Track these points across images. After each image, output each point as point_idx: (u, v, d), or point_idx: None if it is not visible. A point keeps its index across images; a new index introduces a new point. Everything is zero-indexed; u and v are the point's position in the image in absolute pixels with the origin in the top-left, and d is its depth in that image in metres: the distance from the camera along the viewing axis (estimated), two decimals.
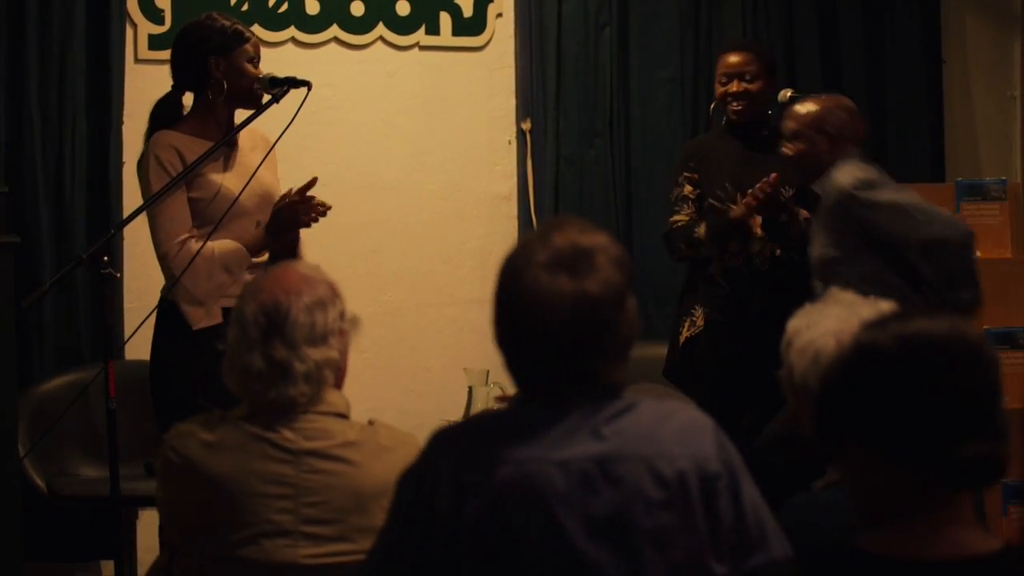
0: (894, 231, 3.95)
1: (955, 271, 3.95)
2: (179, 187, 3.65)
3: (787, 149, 4.09)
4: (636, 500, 1.88)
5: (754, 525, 1.93)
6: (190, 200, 3.69)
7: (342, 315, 2.41)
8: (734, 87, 4.37)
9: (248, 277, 3.64)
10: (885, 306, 2.18)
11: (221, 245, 3.67)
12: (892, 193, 4.01)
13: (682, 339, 4.38)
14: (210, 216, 3.67)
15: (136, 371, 4.14)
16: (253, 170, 3.71)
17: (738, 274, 4.30)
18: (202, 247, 3.62)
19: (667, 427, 1.94)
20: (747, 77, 4.38)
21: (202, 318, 3.66)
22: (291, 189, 3.74)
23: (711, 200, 4.33)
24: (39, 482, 4.49)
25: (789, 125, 4.10)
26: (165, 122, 3.77)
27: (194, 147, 3.69)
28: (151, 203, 3.61)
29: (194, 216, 3.69)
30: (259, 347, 2.33)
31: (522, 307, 1.93)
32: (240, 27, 3.80)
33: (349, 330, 2.42)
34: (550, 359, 1.93)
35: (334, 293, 2.41)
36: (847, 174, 3.98)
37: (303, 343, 2.34)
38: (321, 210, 3.73)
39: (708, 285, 4.35)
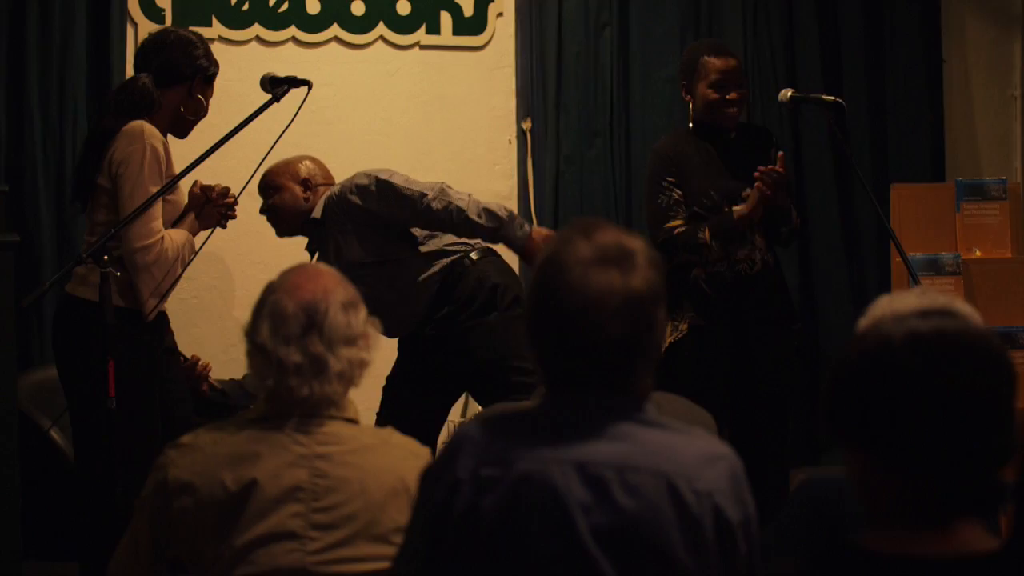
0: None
1: None
2: (159, 184, 3.71)
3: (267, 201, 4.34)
4: (650, 513, 1.87)
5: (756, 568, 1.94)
6: (164, 201, 3.77)
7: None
8: (733, 95, 4.34)
9: None
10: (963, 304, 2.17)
11: (179, 237, 3.79)
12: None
13: (665, 345, 4.35)
14: (169, 217, 3.80)
15: None
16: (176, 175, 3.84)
17: (722, 279, 4.29)
18: (196, 249, 3.77)
19: (690, 450, 1.93)
20: (741, 83, 4.37)
21: (155, 308, 3.75)
22: (196, 182, 3.93)
23: (696, 208, 4.30)
24: (65, 449, 4.41)
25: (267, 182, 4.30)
26: (148, 107, 3.80)
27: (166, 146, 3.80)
28: (155, 199, 3.63)
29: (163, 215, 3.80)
30: (297, 342, 2.33)
31: (572, 300, 1.91)
32: (218, 66, 3.98)
33: (370, 333, 2.44)
34: (594, 353, 1.92)
35: (357, 295, 2.43)
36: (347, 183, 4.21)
37: (339, 342, 2.35)
38: (231, 211, 3.96)
39: (692, 291, 4.31)
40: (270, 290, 2.40)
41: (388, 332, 4.29)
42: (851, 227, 5.66)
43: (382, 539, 2.32)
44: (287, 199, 4.27)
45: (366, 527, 2.32)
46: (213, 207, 3.89)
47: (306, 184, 4.28)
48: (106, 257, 3.40)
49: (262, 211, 4.31)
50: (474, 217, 4.05)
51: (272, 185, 4.29)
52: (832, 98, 4.29)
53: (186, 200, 3.89)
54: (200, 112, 3.92)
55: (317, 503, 2.32)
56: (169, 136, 3.87)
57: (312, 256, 4.29)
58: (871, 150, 5.66)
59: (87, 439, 3.62)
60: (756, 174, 4.16)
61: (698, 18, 5.55)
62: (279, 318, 2.35)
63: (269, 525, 2.29)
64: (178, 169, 3.75)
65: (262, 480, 2.30)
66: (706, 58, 4.36)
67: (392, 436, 2.46)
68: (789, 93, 4.36)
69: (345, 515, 2.32)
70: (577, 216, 4.95)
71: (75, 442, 3.78)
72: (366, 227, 4.15)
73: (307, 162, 4.33)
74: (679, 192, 4.31)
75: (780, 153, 4.20)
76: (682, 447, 1.93)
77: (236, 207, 3.95)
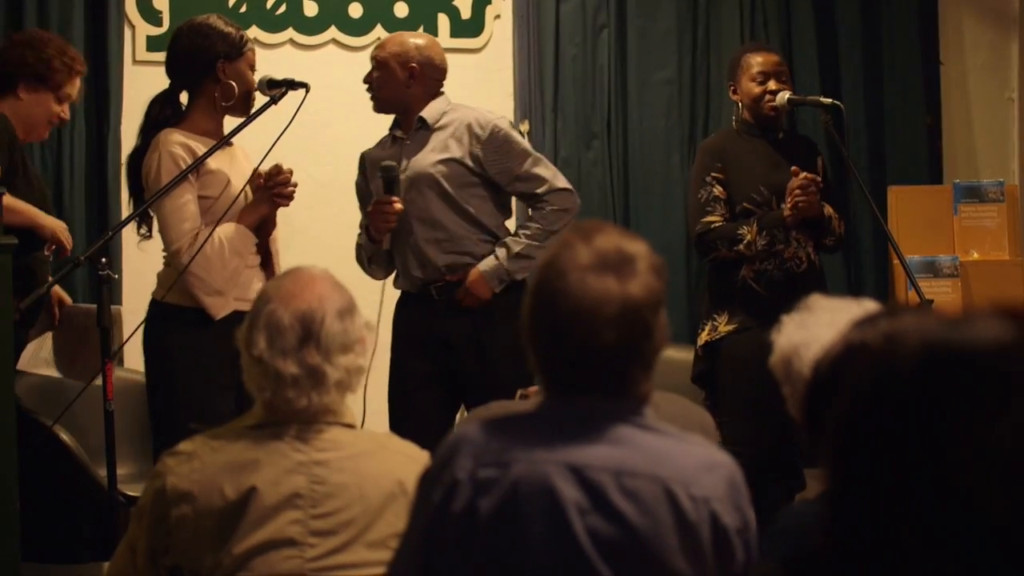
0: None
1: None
2: (190, 184, 3.68)
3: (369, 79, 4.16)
4: (647, 518, 1.87)
5: None
6: (200, 198, 3.73)
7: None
8: (774, 85, 4.37)
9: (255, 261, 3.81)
10: (870, 305, 2.16)
11: (224, 230, 3.74)
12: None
13: (700, 343, 4.35)
14: (216, 213, 3.74)
15: (133, 372, 4.14)
16: (249, 170, 3.79)
17: (772, 278, 4.27)
18: (208, 236, 3.68)
19: (688, 456, 1.93)
20: (783, 78, 4.40)
21: (223, 307, 3.71)
22: (256, 170, 3.85)
23: (745, 204, 4.31)
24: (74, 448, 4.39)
25: (374, 53, 4.16)
26: (166, 120, 3.79)
27: (201, 147, 3.75)
28: (154, 200, 3.63)
29: (202, 213, 3.75)
30: (293, 354, 2.32)
31: (568, 306, 1.90)
32: (244, 34, 3.87)
33: (366, 337, 2.42)
34: (589, 360, 1.92)
35: (352, 299, 2.41)
36: (487, 112, 4.18)
37: (336, 351, 2.34)
38: (287, 188, 3.84)
39: (740, 291, 4.28)
40: (264, 299, 2.37)
41: (401, 275, 4.28)
42: (849, 229, 5.65)
43: (380, 544, 2.31)
44: (387, 80, 4.12)
45: (364, 532, 2.32)
46: (262, 190, 3.83)
47: (412, 73, 4.12)
48: (104, 260, 3.40)
49: (365, 81, 4.18)
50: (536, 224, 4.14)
51: (379, 60, 4.14)
52: (830, 101, 4.31)
53: (229, 194, 3.80)
54: (233, 93, 3.82)
55: (316, 510, 2.31)
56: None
57: (392, 142, 4.23)
58: (869, 152, 5.67)
59: (166, 442, 3.58)
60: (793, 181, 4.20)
61: (695, 20, 5.55)
62: (275, 330, 2.33)
63: (268, 532, 2.29)
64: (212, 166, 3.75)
65: (261, 487, 2.30)
66: (748, 55, 4.46)
67: (390, 440, 2.45)
68: (786, 96, 4.38)
69: (344, 521, 2.31)
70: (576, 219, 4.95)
71: (154, 444, 3.77)
72: (473, 176, 4.12)
73: (420, 48, 4.14)
74: (721, 189, 4.32)
75: (802, 174, 4.24)
76: (680, 453, 1.93)
77: (293, 186, 3.84)
